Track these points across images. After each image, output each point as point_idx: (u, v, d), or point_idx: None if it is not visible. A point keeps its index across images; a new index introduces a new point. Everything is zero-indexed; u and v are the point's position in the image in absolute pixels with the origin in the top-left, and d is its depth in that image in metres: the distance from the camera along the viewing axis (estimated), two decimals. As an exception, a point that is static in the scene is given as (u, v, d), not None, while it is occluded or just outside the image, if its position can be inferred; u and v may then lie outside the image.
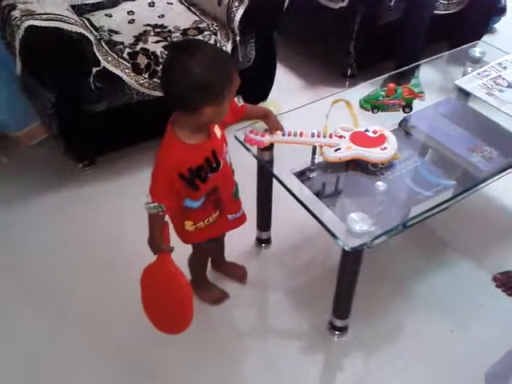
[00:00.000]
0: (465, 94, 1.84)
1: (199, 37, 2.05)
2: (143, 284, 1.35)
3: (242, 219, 1.49)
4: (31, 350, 1.57)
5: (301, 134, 1.45)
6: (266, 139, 1.44)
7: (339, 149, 1.44)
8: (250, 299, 1.72)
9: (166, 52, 1.95)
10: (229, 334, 1.62)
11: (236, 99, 1.34)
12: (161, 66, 1.93)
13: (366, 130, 1.49)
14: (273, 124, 1.45)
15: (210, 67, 1.10)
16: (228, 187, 1.39)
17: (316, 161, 1.51)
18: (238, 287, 1.72)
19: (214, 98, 1.13)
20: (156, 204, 1.21)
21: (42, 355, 1.56)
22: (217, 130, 1.27)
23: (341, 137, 1.46)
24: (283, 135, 1.45)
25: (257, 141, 1.44)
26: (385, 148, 1.45)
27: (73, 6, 2.11)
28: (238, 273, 1.74)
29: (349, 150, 1.44)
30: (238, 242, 1.77)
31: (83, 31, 1.80)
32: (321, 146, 1.46)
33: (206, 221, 1.37)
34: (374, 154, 1.44)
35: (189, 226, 1.37)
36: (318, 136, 1.45)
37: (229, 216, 1.43)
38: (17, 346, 1.59)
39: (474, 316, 1.67)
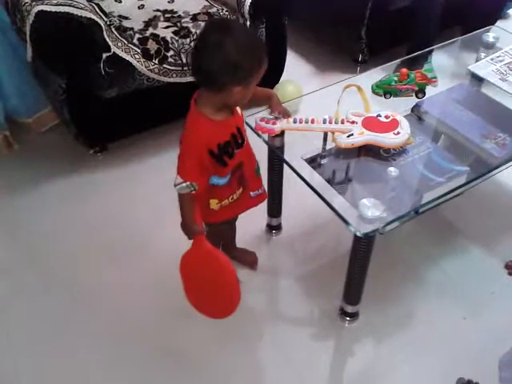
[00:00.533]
0: (478, 80, 1.82)
1: (209, 22, 2.04)
2: (183, 272, 1.34)
3: (263, 196, 1.51)
4: (45, 336, 1.59)
5: (312, 121, 1.44)
6: (277, 127, 1.43)
7: (352, 134, 1.43)
8: (261, 285, 1.73)
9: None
10: (241, 320, 1.61)
11: None
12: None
13: (378, 115, 1.48)
14: (275, 107, 1.44)
15: (244, 49, 1.12)
16: (251, 163, 1.41)
17: (327, 147, 1.50)
18: (248, 273, 1.73)
19: (243, 79, 1.15)
20: (188, 183, 1.21)
21: (56, 341, 1.57)
22: (238, 108, 1.30)
23: (353, 122, 1.45)
24: (294, 122, 1.44)
25: (268, 129, 1.43)
26: (398, 133, 1.44)
27: (82, -8, 2.10)
28: (248, 259, 1.74)
29: (361, 136, 1.43)
30: (248, 229, 1.78)
31: (93, 16, 1.79)
32: (333, 132, 1.45)
33: (230, 198, 1.38)
34: (387, 139, 1.43)
35: (214, 204, 1.37)
36: (330, 122, 1.44)
37: (251, 193, 1.45)
38: (30, 331, 1.60)
39: (486, 303, 1.66)
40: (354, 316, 1.59)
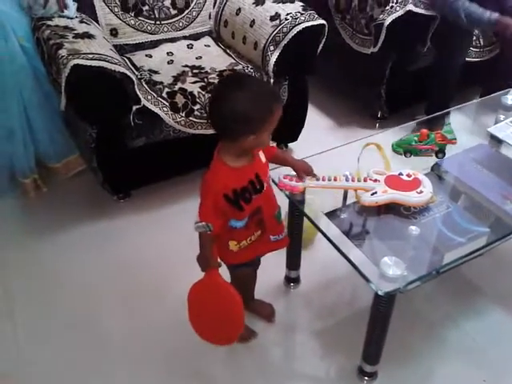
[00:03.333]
0: (497, 141, 1.85)
1: (235, 78, 2.12)
2: (191, 300, 1.39)
3: (284, 241, 1.53)
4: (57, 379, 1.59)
5: (335, 179, 1.46)
6: (301, 185, 1.46)
7: (375, 193, 1.45)
8: (277, 339, 1.71)
9: (215, 84, 2.04)
10: (253, 374, 1.61)
11: None
12: (210, 96, 1.97)
13: (400, 174, 1.51)
14: (300, 172, 1.47)
15: (254, 102, 1.18)
16: (271, 208, 1.43)
17: (347, 202, 1.53)
18: (264, 326, 1.72)
19: (255, 128, 1.20)
20: (204, 223, 1.28)
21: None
22: (261, 155, 1.35)
23: (375, 181, 1.48)
24: (317, 180, 1.47)
25: (291, 186, 1.46)
26: (421, 192, 1.46)
27: (115, 46, 2.21)
28: (265, 311, 1.74)
29: (385, 194, 1.45)
30: (266, 280, 1.78)
31: (126, 71, 1.87)
32: (355, 190, 1.48)
33: (248, 239, 1.41)
34: (410, 198, 1.45)
35: (233, 245, 1.41)
36: (353, 180, 1.47)
37: (271, 237, 1.47)
38: (42, 372, 1.60)
39: (507, 367, 1.62)
40: (372, 376, 1.56)
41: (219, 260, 1.42)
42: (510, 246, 1.88)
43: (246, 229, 1.39)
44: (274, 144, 1.48)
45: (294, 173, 1.48)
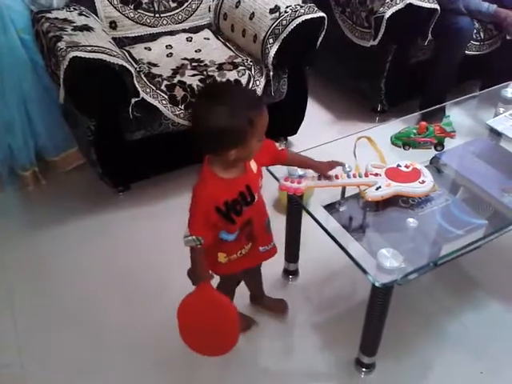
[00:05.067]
0: (496, 134, 1.85)
1: (234, 71, 2.12)
2: (182, 314, 1.35)
3: (272, 251, 1.50)
4: (57, 372, 1.60)
5: (336, 177, 1.44)
6: (303, 185, 1.42)
7: (380, 187, 1.44)
8: (276, 333, 1.72)
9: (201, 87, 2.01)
10: (253, 366, 1.62)
11: (278, 144, 1.37)
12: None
13: (399, 166, 1.51)
14: (325, 172, 1.44)
15: (227, 116, 1.11)
16: (261, 219, 1.41)
17: (345, 194, 1.53)
18: (264, 319, 1.73)
19: (235, 143, 1.14)
20: (194, 237, 1.24)
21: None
22: (253, 165, 1.30)
23: (376, 175, 1.47)
24: (319, 179, 1.44)
25: (294, 188, 1.42)
26: (423, 181, 1.46)
27: (114, 39, 2.20)
28: (278, 307, 1.74)
29: (389, 187, 1.44)
30: (265, 273, 1.77)
31: (124, 63, 1.87)
32: (358, 186, 1.47)
33: (238, 253, 1.39)
34: (414, 189, 1.46)
35: (222, 257, 1.38)
36: (354, 176, 1.45)
37: (260, 248, 1.44)
38: (43, 366, 1.61)
39: (504, 359, 1.63)
40: (370, 367, 1.57)
41: (210, 272, 1.37)
42: (509, 238, 1.89)
43: (237, 242, 1.35)
44: (282, 146, 1.42)
45: (296, 174, 1.45)
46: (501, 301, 1.80)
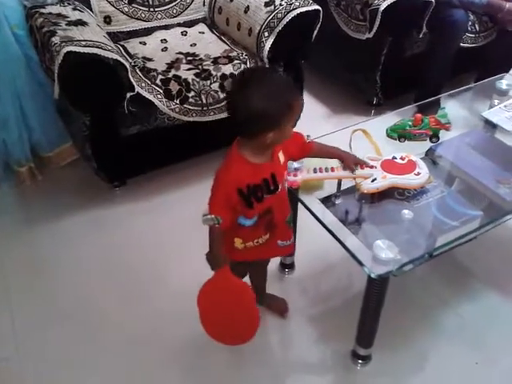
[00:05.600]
0: (491, 126, 1.85)
1: (229, 65, 2.11)
2: (203, 303, 1.34)
3: (290, 248, 1.51)
4: (54, 369, 1.60)
5: (332, 170, 1.46)
6: (299, 178, 1.44)
7: (375, 179, 1.45)
8: (273, 325, 1.72)
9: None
10: (249, 359, 1.62)
11: (305, 136, 1.39)
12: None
13: (394, 158, 1.51)
14: (350, 165, 1.47)
15: (269, 99, 1.14)
16: (283, 212, 1.40)
17: (341, 187, 1.53)
18: (261, 312, 1.72)
19: (273, 125, 1.17)
20: (213, 216, 1.24)
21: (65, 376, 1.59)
22: (281, 156, 1.31)
23: (372, 167, 1.48)
24: (315, 172, 1.45)
25: (290, 181, 1.43)
26: (418, 173, 1.46)
27: (109, 34, 2.19)
28: (278, 306, 1.74)
29: (385, 180, 1.45)
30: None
31: (119, 58, 1.87)
32: (354, 179, 1.48)
33: (255, 241, 1.39)
34: (410, 181, 1.46)
35: (238, 243, 1.38)
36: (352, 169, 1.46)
37: (279, 242, 1.44)
38: (40, 362, 1.62)
39: (499, 349, 1.64)
40: (366, 359, 1.57)
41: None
42: (504, 230, 1.90)
43: (255, 229, 1.36)
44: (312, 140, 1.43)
45: (292, 167, 1.45)
46: (496, 292, 1.81)
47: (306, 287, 1.85)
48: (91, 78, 1.83)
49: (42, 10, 2.04)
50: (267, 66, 2.15)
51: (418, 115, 1.72)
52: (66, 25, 1.94)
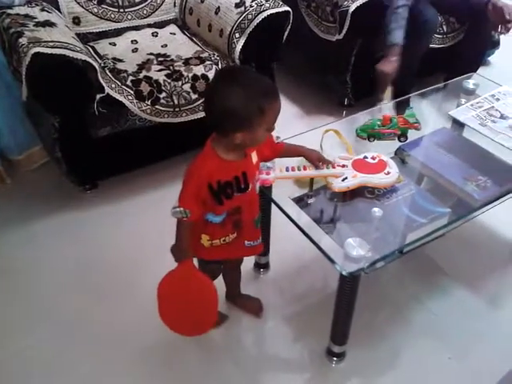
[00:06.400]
0: (459, 125, 1.89)
1: (201, 66, 2.11)
2: (162, 293, 1.35)
3: (258, 248, 1.51)
4: (30, 375, 1.57)
5: (304, 168, 1.47)
6: (272, 177, 1.44)
7: (346, 178, 1.47)
8: (248, 325, 1.73)
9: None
10: (226, 358, 1.62)
11: (274, 137, 1.40)
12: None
13: (365, 157, 1.53)
14: (315, 162, 1.48)
15: (241, 98, 1.15)
16: (251, 212, 1.41)
17: (313, 187, 1.54)
18: (236, 312, 1.73)
19: (242, 126, 1.18)
20: (182, 209, 1.25)
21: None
22: (254, 156, 1.32)
23: (343, 166, 1.49)
24: (287, 170, 1.47)
25: (262, 180, 1.44)
26: (388, 172, 1.49)
27: (78, 35, 2.17)
28: (253, 306, 1.74)
29: (356, 178, 1.47)
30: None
31: (88, 59, 1.85)
32: (325, 177, 1.49)
33: (222, 239, 1.39)
34: (379, 180, 1.48)
35: (205, 240, 1.39)
36: (322, 168, 1.48)
37: (246, 242, 1.45)
38: (16, 369, 1.58)
39: (471, 343, 1.67)
40: (340, 356, 1.59)
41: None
42: (471, 228, 1.94)
43: (222, 227, 1.36)
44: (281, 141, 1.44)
45: (264, 165, 1.46)
46: (466, 287, 1.85)
47: (281, 287, 1.85)
48: (60, 79, 1.80)
49: (10, 11, 2.01)
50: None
51: (387, 115, 1.75)
52: (34, 26, 1.91)
